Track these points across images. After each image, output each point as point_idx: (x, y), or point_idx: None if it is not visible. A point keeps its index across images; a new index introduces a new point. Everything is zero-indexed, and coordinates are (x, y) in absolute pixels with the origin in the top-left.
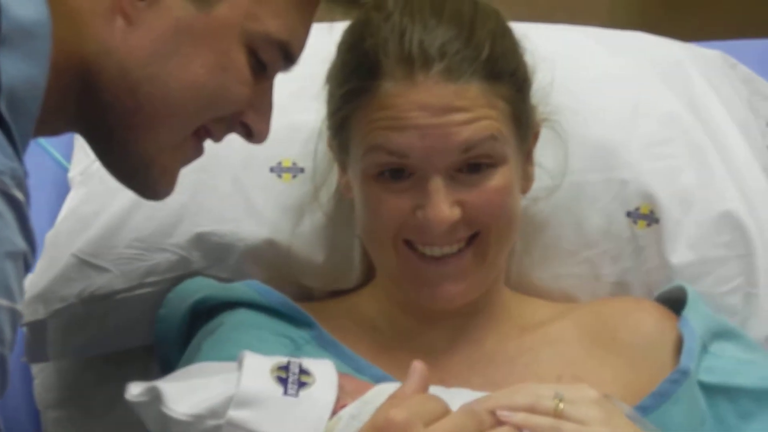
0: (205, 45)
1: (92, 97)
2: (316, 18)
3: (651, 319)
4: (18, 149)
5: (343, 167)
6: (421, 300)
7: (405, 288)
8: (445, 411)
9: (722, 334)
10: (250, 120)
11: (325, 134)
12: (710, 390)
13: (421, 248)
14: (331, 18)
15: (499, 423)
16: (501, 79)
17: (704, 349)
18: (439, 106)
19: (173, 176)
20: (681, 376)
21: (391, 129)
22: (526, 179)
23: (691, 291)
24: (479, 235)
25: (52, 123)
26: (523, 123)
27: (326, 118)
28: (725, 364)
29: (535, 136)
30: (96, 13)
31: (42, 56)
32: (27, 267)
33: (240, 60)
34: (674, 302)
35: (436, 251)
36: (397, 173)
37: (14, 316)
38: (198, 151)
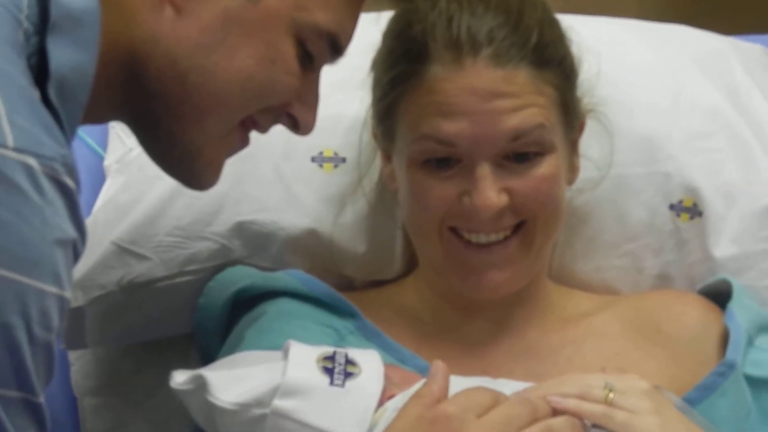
0: (254, 35)
1: (139, 85)
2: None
3: (695, 312)
4: (67, 136)
5: (387, 156)
6: (466, 289)
7: (450, 277)
8: (496, 401)
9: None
10: (297, 111)
11: (370, 123)
12: (756, 383)
13: (467, 235)
14: (377, 9)
15: (555, 412)
16: (549, 67)
17: (750, 342)
18: (488, 91)
19: (219, 167)
20: (727, 369)
21: (439, 115)
22: (572, 170)
23: (736, 284)
24: (525, 224)
25: (97, 111)
26: (570, 112)
27: (371, 107)
28: None
29: (581, 127)
30: (145, 2)
31: (91, 44)
32: (76, 255)
33: (288, 51)
34: (717, 295)
35: (482, 238)
36: (443, 161)
37: (62, 303)
38: (244, 142)
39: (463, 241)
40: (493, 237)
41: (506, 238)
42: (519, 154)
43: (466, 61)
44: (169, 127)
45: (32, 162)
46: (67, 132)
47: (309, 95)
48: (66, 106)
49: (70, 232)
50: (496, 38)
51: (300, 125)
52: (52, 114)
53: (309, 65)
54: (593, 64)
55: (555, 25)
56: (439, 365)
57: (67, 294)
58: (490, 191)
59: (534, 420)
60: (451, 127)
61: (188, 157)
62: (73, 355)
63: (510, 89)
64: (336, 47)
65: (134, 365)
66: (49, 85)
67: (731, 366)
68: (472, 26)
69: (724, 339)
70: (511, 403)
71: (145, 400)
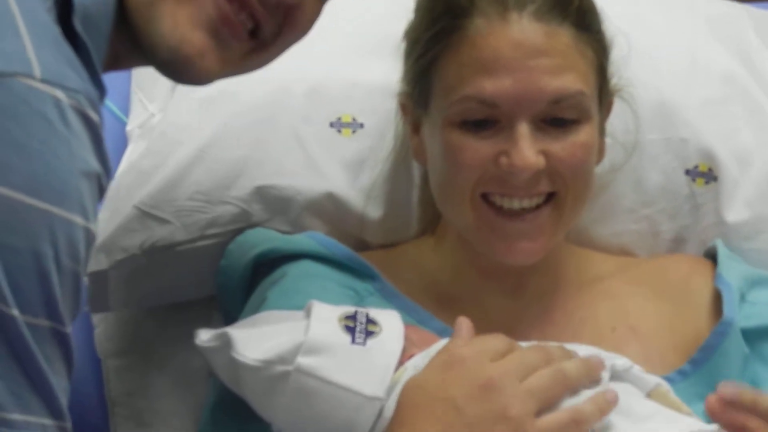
0: None
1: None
2: None
3: (687, 269)
4: (96, 67)
5: (416, 128)
6: (497, 255)
7: (480, 243)
8: (511, 347)
9: (757, 282)
10: None
11: (397, 92)
12: (751, 334)
13: (499, 201)
14: None
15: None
16: (590, 32)
17: (742, 298)
18: (531, 46)
19: (195, 37)
20: (726, 327)
21: (482, 73)
22: (599, 150)
23: (721, 247)
24: (557, 195)
25: (110, 48)
26: (605, 83)
27: (404, 73)
28: (763, 309)
29: (608, 108)
30: None
31: None
32: (101, 190)
33: None
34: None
35: (515, 203)
36: (481, 121)
37: (88, 235)
38: (218, 7)
39: (495, 208)
40: (525, 203)
41: (538, 207)
42: (557, 119)
43: (512, 15)
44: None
45: (59, 94)
46: (95, 61)
47: None
48: (92, 36)
49: (95, 165)
50: None
51: None
52: (79, 46)
53: None
54: (623, 46)
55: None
56: (463, 321)
57: (92, 226)
58: (529, 151)
59: (548, 364)
60: (493, 86)
61: (152, 22)
62: (96, 318)
63: (553, 47)
64: None
65: (157, 327)
66: (74, 17)
67: (729, 324)
68: None
69: (717, 300)
70: (528, 348)
71: (167, 361)
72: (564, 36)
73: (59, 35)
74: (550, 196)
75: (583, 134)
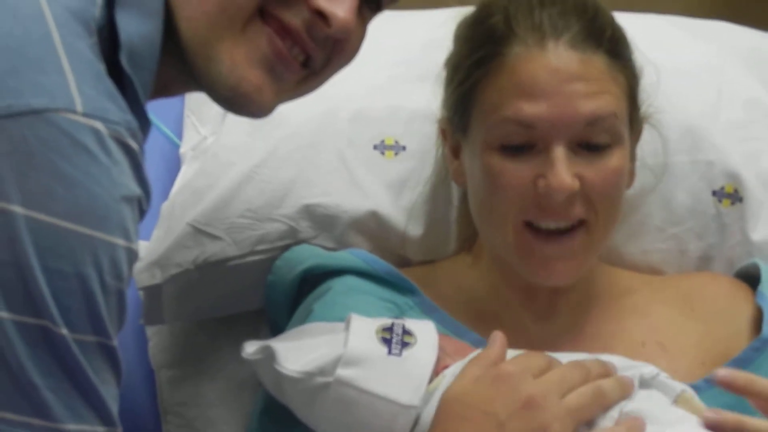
0: None
1: (167, 17)
2: (422, 4)
3: (725, 292)
4: (140, 100)
5: (455, 151)
6: (535, 277)
7: (519, 265)
8: (550, 364)
9: None
10: (321, 3)
11: (438, 117)
12: None
13: (537, 223)
14: (437, 4)
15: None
16: (621, 60)
17: None
18: (567, 72)
19: (249, 72)
20: (762, 344)
21: (520, 96)
22: (629, 175)
23: (765, 267)
24: (588, 221)
25: (161, 77)
26: (635, 110)
27: (444, 100)
28: None
29: (638, 134)
30: None
31: (155, 13)
32: (141, 212)
33: None
34: (751, 278)
35: (552, 224)
36: (519, 145)
37: (130, 254)
38: (273, 45)
39: (533, 231)
40: (562, 224)
41: (572, 230)
42: (591, 144)
43: (549, 43)
44: (186, 37)
45: (99, 126)
46: (140, 94)
47: None
48: (137, 71)
49: (135, 189)
50: (575, 26)
51: (329, 18)
52: (124, 81)
53: None
54: (652, 74)
55: (623, 30)
56: (498, 334)
57: (135, 246)
58: (566, 173)
59: (586, 381)
60: (531, 109)
61: (211, 63)
62: (150, 331)
63: (588, 72)
64: None
65: (208, 339)
66: (120, 54)
67: (766, 341)
68: (552, 15)
69: (758, 318)
70: (565, 365)
71: (218, 371)
72: (598, 62)
73: (102, 71)
74: (583, 221)
75: (615, 159)
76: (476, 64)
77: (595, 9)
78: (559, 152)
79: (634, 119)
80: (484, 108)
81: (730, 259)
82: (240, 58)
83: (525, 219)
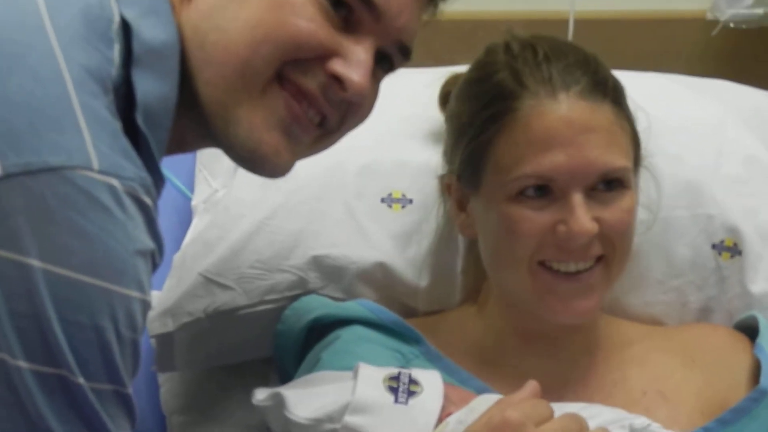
0: None
1: (184, 77)
2: (431, 63)
3: (724, 342)
4: (155, 157)
5: (462, 204)
6: (555, 315)
7: (537, 306)
8: (552, 415)
9: None
10: (338, 67)
11: (441, 172)
12: None
13: (557, 265)
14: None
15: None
16: (623, 107)
17: None
18: (580, 122)
19: (266, 134)
20: (760, 395)
21: (537, 150)
22: None
23: (763, 320)
24: (606, 257)
25: (177, 133)
26: (637, 156)
27: (449, 155)
28: None
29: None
30: (191, 29)
31: (171, 73)
32: (155, 265)
33: None
34: (749, 330)
35: (571, 267)
36: (538, 191)
37: (144, 306)
38: (289, 109)
39: (552, 272)
40: (581, 265)
41: (591, 268)
42: (606, 183)
43: (560, 95)
44: (205, 100)
45: (115, 182)
46: (155, 152)
47: (352, 53)
48: (152, 129)
49: (149, 243)
50: (582, 79)
51: (345, 83)
52: (140, 138)
53: (345, 26)
54: (643, 120)
55: (619, 83)
56: (533, 383)
57: (148, 298)
58: (585, 218)
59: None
60: (550, 162)
61: (230, 125)
62: (162, 377)
63: (599, 122)
64: (370, 5)
65: (218, 386)
66: (136, 112)
67: (765, 392)
68: (559, 69)
69: (756, 369)
70: (565, 415)
71: (227, 417)
72: (606, 112)
73: (117, 129)
74: (600, 258)
75: (627, 199)
76: (488, 121)
77: (596, 62)
78: (578, 199)
79: (637, 163)
80: (500, 163)
81: (729, 311)
82: (258, 122)
83: (540, 259)
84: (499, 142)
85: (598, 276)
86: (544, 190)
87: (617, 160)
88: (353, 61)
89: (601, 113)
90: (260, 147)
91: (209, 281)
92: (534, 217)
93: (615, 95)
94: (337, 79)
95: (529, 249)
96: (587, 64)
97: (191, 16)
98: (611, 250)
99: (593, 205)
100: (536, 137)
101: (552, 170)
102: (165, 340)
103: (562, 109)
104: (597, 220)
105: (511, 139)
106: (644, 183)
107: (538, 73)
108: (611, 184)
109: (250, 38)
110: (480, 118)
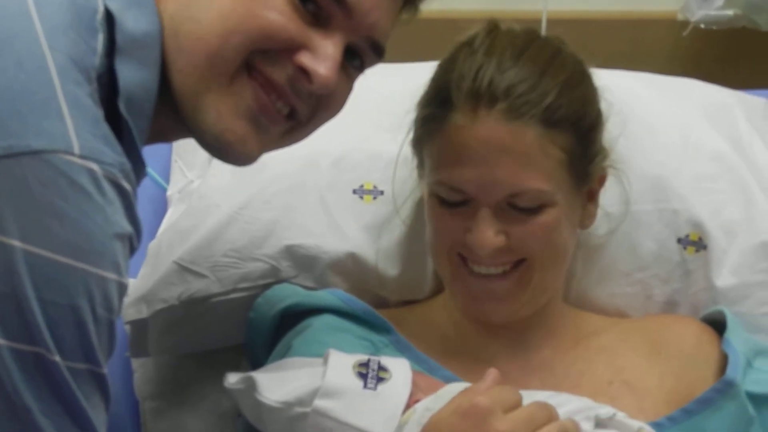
0: None
1: (165, 67)
2: (407, 58)
3: (691, 333)
4: (136, 144)
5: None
6: (469, 313)
7: (457, 300)
8: (521, 401)
9: (763, 352)
10: (305, 59)
11: (408, 159)
12: (758, 399)
13: (471, 264)
14: (421, 58)
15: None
16: (559, 127)
17: (749, 364)
18: (495, 143)
19: (233, 123)
20: (725, 386)
21: (452, 163)
22: (588, 216)
23: (730, 315)
24: (525, 261)
25: (158, 123)
26: (581, 169)
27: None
28: None
29: (601, 180)
30: (175, 20)
31: (153, 63)
32: (132, 249)
33: None
34: (715, 324)
35: (483, 270)
36: (453, 197)
37: (121, 288)
38: (257, 98)
39: (468, 269)
40: (492, 270)
41: (505, 272)
42: (518, 207)
43: (481, 112)
44: (177, 88)
45: (95, 167)
46: (136, 139)
47: (320, 47)
48: (134, 117)
49: (127, 227)
50: (512, 94)
51: (311, 75)
52: (122, 126)
53: (315, 20)
54: (619, 125)
55: (580, 86)
56: (492, 371)
57: (125, 280)
58: (487, 232)
59: (551, 421)
60: (460, 176)
61: (199, 113)
62: (136, 363)
63: (516, 146)
64: (340, 0)
65: (191, 372)
66: (119, 100)
67: (730, 384)
68: (494, 80)
69: (723, 362)
70: (534, 404)
71: (200, 403)
72: (529, 135)
73: (99, 116)
74: (520, 262)
75: (544, 216)
76: (425, 121)
77: (545, 68)
78: (484, 213)
79: (583, 175)
80: (428, 162)
81: (694, 305)
82: (225, 110)
83: (459, 252)
84: (431, 144)
85: (514, 282)
86: (461, 200)
87: (530, 182)
88: (321, 55)
89: (521, 136)
90: (226, 134)
91: (183, 269)
92: (448, 219)
93: (548, 114)
94: (305, 72)
95: (446, 244)
96: (533, 70)
97: (169, 6)
98: (530, 256)
99: (504, 219)
100: (454, 151)
101: (461, 183)
102: (139, 326)
103: (480, 128)
104: (506, 233)
105: (438, 144)
106: (615, 185)
107: (472, 82)
108: (523, 207)
109: (221, 28)
110: (422, 115)
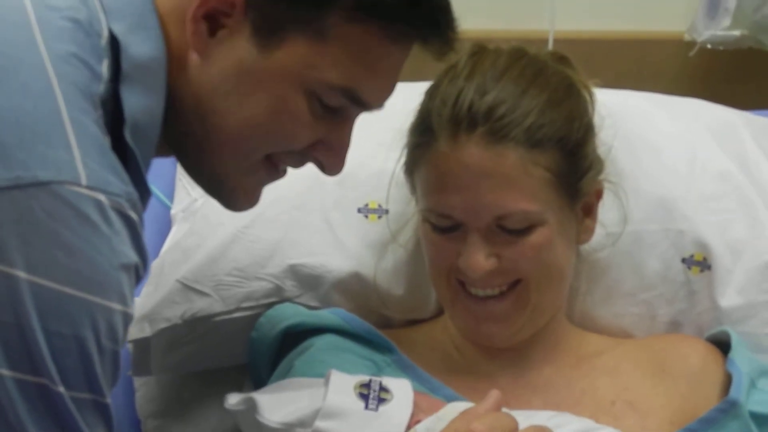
0: (263, 86)
1: (175, 123)
2: (414, 77)
3: (696, 353)
4: (141, 172)
5: None
6: (470, 337)
7: (456, 322)
8: (516, 426)
9: (767, 373)
10: (321, 155)
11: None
12: (761, 419)
13: (468, 287)
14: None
15: None
16: (542, 147)
17: (753, 384)
18: (477, 168)
19: (249, 193)
20: (729, 406)
21: (438, 190)
22: (585, 232)
23: (735, 335)
24: (521, 282)
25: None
26: (571, 186)
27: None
28: None
29: (598, 194)
30: (181, 47)
31: (158, 89)
32: (138, 278)
33: (298, 105)
34: (719, 344)
35: (480, 292)
36: (443, 223)
37: (126, 318)
38: (274, 175)
39: (466, 292)
40: (489, 291)
41: (502, 294)
42: (507, 229)
43: (461, 138)
44: (198, 159)
45: (102, 198)
46: (142, 167)
47: (334, 140)
48: (140, 144)
49: (133, 257)
50: (492, 117)
51: (324, 168)
52: (127, 153)
53: (334, 115)
54: (610, 137)
55: (563, 103)
56: (494, 392)
57: (131, 310)
58: (478, 256)
59: None
60: (447, 202)
61: (216, 184)
62: (138, 382)
63: (498, 169)
64: (357, 101)
65: (193, 391)
66: (124, 128)
67: (733, 404)
68: (474, 103)
69: (727, 382)
70: (530, 429)
71: (202, 422)
72: (511, 157)
73: (105, 145)
74: (516, 283)
75: (535, 236)
76: (413, 148)
77: (527, 87)
78: (473, 238)
79: (572, 190)
80: (416, 188)
81: (698, 325)
82: (246, 186)
83: (457, 277)
84: (419, 171)
85: (511, 304)
86: (449, 222)
87: (515, 204)
88: (335, 147)
89: (503, 159)
90: (236, 191)
91: (187, 288)
92: (441, 244)
93: (530, 135)
94: (319, 162)
95: (443, 269)
96: (514, 91)
97: (193, 78)
98: (525, 277)
99: (494, 242)
100: (438, 177)
101: (448, 209)
102: (142, 345)
103: (462, 153)
104: (497, 255)
105: (425, 172)
106: (612, 197)
107: (453, 107)
108: (512, 228)
109: (248, 136)
110: (410, 143)
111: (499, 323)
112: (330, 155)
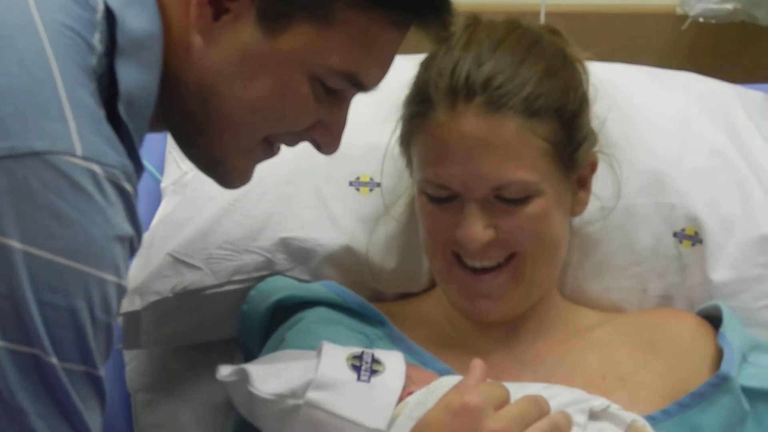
0: (268, 70)
1: (174, 104)
2: (403, 50)
3: (687, 327)
4: (135, 146)
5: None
6: (462, 311)
7: (450, 297)
8: (508, 396)
9: (758, 347)
10: (318, 136)
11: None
12: (752, 393)
13: (464, 259)
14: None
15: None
16: (540, 116)
17: (744, 359)
18: (476, 138)
19: (244, 172)
20: (720, 380)
21: (436, 161)
22: (579, 204)
23: (726, 310)
24: (516, 256)
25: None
26: (568, 157)
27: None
28: (765, 372)
29: (593, 166)
30: (183, 27)
31: (154, 64)
32: (133, 251)
33: (301, 89)
34: (711, 318)
35: (476, 263)
36: (440, 193)
37: (120, 290)
38: (269, 154)
39: (461, 265)
40: (486, 262)
41: (499, 265)
42: (504, 199)
43: (459, 107)
44: (196, 140)
45: (96, 168)
46: (135, 141)
47: (333, 121)
48: (134, 119)
49: (128, 229)
50: (490, 87)
51: (321, 147)
52: (121, 126)
53: (333, 97)
54: (605, 110)
55: (559, 73)
56: (477, 362)
57: (124, 282)
58: (475, 226)
59: (542, 416)
60: (444, 173)
61: (213, 163)
62: (128, 355)
63: (497, 139)
64: (358, 84)
65: (184, 365)
66: (119, 102)
67: (725, 378)
68: (471, 74)
69: (718, 357)
70: (524, 399)
71: (192, 396)
72: (509, 126)
73: (101, 117)
74: (511, 257)
75: (532, 206)
76: (409, 119)
77: (524, 57)
78: (470, 208)
79: (569, 161)
80: (414, 159)
81: (689, 299)
82: (242, 166)
83: (453, 249)
84: (416, 142)
85: (506, 278)
86: (446, 193)
87: (514, 174)
88: (333, 128)
89: (501, 129)
90: (232, 172)
91: (177, 261)
92: (438, 215)
93: (526, 105)
94: (316, 142)
95: (439, 242)
96: (511, 60)
97: (196, 61)
98: (521, 250)
99: (492, 212)
100: (436, 149)
101: (446, 180)
102: (132, 318)
103: (460, 123)
104: (495, 227)
105: (422, 142)
106: (605, 171)
107: (450, 78)
108: (511, 198)
109: (251, 119)
110: (405, 115)
111: (494, 301)
112: (327, 135)
